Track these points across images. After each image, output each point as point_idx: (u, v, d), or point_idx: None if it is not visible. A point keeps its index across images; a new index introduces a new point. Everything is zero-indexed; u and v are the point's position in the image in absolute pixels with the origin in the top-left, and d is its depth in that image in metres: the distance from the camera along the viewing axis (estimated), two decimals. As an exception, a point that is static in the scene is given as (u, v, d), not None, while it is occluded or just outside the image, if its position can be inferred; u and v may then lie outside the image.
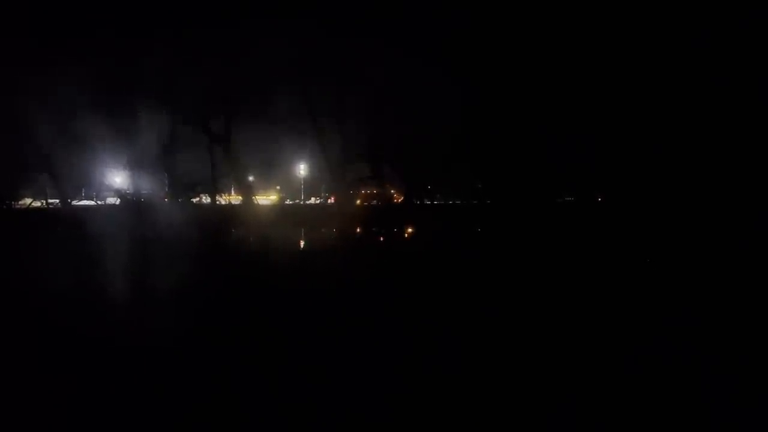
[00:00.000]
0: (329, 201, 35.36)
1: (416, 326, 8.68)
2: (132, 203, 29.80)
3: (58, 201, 31.69)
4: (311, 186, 37.11)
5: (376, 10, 27.40)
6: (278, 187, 36.71)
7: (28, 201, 32.78)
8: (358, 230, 27.43)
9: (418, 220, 28.52)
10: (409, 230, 27.29)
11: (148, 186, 30.48)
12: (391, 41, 26.75)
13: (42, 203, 32.80)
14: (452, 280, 12.72)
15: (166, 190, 31.09)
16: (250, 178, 32.83)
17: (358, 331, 8.56)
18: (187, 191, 31.48)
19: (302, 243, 23.59)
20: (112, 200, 31.84)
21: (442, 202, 34.37)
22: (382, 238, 25.42)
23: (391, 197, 33.51)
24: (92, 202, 32.79)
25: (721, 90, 26.46)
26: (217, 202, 32.22)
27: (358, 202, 33.04)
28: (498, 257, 17.14)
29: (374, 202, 33.08)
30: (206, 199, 32.44)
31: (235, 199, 33.04)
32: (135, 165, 29.81)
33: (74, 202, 31.97)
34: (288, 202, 36.62)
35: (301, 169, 35.63)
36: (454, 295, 10.90)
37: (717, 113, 26.61)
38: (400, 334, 8.28)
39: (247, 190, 31.82)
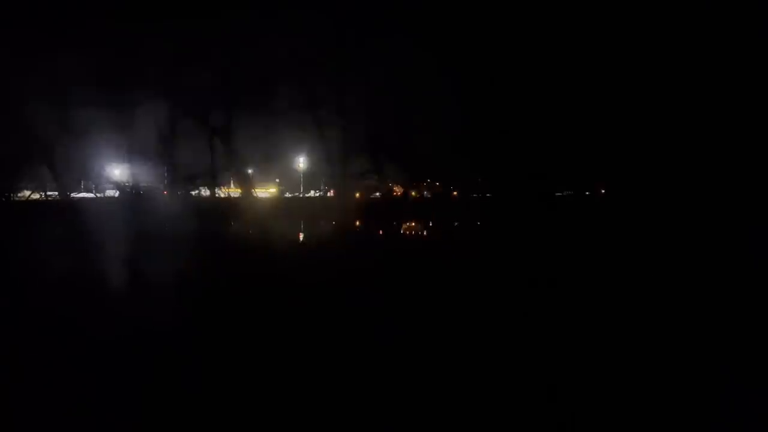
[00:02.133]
0: (329, 194, 35.29)
1: (409, 322, 8.67)
2: (131, 196, 29.77)
3: (57, 193, 31.55)
4: (311, 179, 37.00)
5: (376, 3, 27.32)
6: (278, 180, 36.61)
7: (27, 193, 32.66)
8: (357, 223, 27.43)
9: (417, 214, 28.52)
10: (409, 224, 27.27)
11: (148, 178, 30.44)
12: (392, 35, 26.68)
13: (41, 195, 32.65)
14: (447, 276, 12.70)
15: (166, 182, 31.05)
16: (250, 171, 32.78)
17: (354, 328, 8.54)
18: (186, 184, 31.43)
19: (301, 236, 23.57)
20: (112, 193, 31.77)
21: (442, 195, 34.29)
22: (381, 231, 25.42)
23: (391, 190, 33.46)
24: (91, 195, 32.71)
25: (721, 86, 26.43)
26: (217, 195, 32.18)
27: (358, 195, 33.00)
28: (496, 252, 17.11)
29: (374, 195, 33.06)
30: (205, 192, 32.39)
31: (234, 191, 33.01)
32: (134, 157, 29.76)
33: (73, 195, 31.85)
34: (287, 195, 36.54)
35: (301, 163, 35.53)
36: (447, 292, 10.87)
37: (716, 109, 26.59)
38: (396, 330, 8.26)
39: (246, 183, 31.80)
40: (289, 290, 10.91)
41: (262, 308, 9.55)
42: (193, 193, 31.95)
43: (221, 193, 32.62)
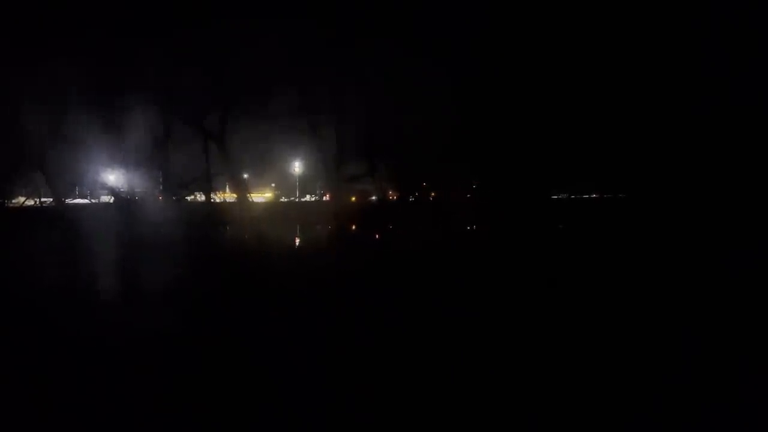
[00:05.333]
0: (324, 198, 35.33)
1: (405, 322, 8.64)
2: (126, 201, 29.68)
3: (51, 200, 31.47)
4: (306, 183, 37.07)
5: (370, 6, 27.35)
6: (273, 185, 36.63)
7: (21, 200, 32.58)
8: (353, 227, 27.43)
9: (413, 218, 28.49)
10: (404, 227, 27.24)
11: (143, 184, 30.37)
12: (386, 38, 26.69)
13: (35, 202, 32.58)
14: (442, 278, 12.67)
15: (161, 188, 30.98)
16: (245, 176, 32.74)
17: (351, 329, 8.50)
18: (181, 189, 31.35)
19: (297, 240, 23.51)
20: (107, 198, 31.69)
21: (439, 199, 34.34)
22: (377, 235, 25.40)
23: (387, 194, 33.49)
24: (86, 201, 32.64)
25: (715, 87, 26.51)
26: (212, 200, 32.11)
27: (353, 199, 33.02)
28: (491, 256, 17.08)
29: (370, 199, 33.11)
30: (201, 197, 32.32)
31: (230, 196, 32.97)
32: (129, 163, 29.69)
33: (68, 201, 31.78)
34: (283, 199, 36.56)
35: (296, 167, 35.54)
36: (442, 294, 10.83)
37: (713, 110, 26.67)
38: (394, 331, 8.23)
39: (241, 188, 31.74)
40: (287, 293, 10.86)
41: (259, 312, 9.50)
42: (188, 198, 31.90)
43: (217, 198, 32.57)
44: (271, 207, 32.80)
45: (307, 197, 37.54)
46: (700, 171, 26.89)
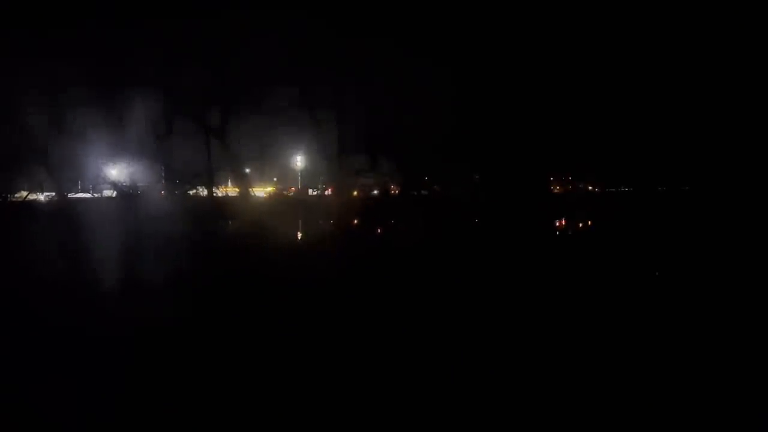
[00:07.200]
0: (326, 193, 35.29)
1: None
2: (128, 196, 29.70)
3: (54, 194, 31.44)
4: (308, 178, 36.98)
5: (374, 4, 27.34)
6: (275, 179, 36.58)
7: (24, 194, 32.54)
8: (355, 221, 27.47)
9: (414, 212, 28.51)
10: (406, 222, 27.27)
11: (145, 178, 30.38)
12: (388, 33, 26.67)
13: (38, 196, 32.53)
14: (443, 273, 12.71)
15: (163, 182, 31.01)
16: (247, 170, 32.73)
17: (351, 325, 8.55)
18: (183, 183, 31.37)
19: (299, 234, 23.56)
20: (109, 193, 31.69)
21: (441, 194, 34.29)
22: (379, 230, 25.44)
23: (389, 189, 33.47)
24: (89, 195, 32.62)
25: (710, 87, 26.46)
26: (214, 194, 32.12)
27: (355, 193, 33.01)
28: (493, 251, 17.11)
29: (371, 193, 33.08)
30: (203, 192, 32.33)
31: (232, 191, 32.98)
32: (131, 157, 29.70)
33: (71, 195, 31.76)
34: (285, 193, 36.52)
35: (299, 161, 35.50)
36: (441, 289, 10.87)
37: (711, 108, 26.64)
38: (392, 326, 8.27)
39: (244, 182, 31.77)
40: (289, 289, 10.91)
41: (261, 308, 9.55)
42: (190, 192, 31.91)
43: (219, 192, 32.59)
44: (273, 201, 32.82)
45: (309, 192, 37.49)
46: (702, 167, 26.89)
